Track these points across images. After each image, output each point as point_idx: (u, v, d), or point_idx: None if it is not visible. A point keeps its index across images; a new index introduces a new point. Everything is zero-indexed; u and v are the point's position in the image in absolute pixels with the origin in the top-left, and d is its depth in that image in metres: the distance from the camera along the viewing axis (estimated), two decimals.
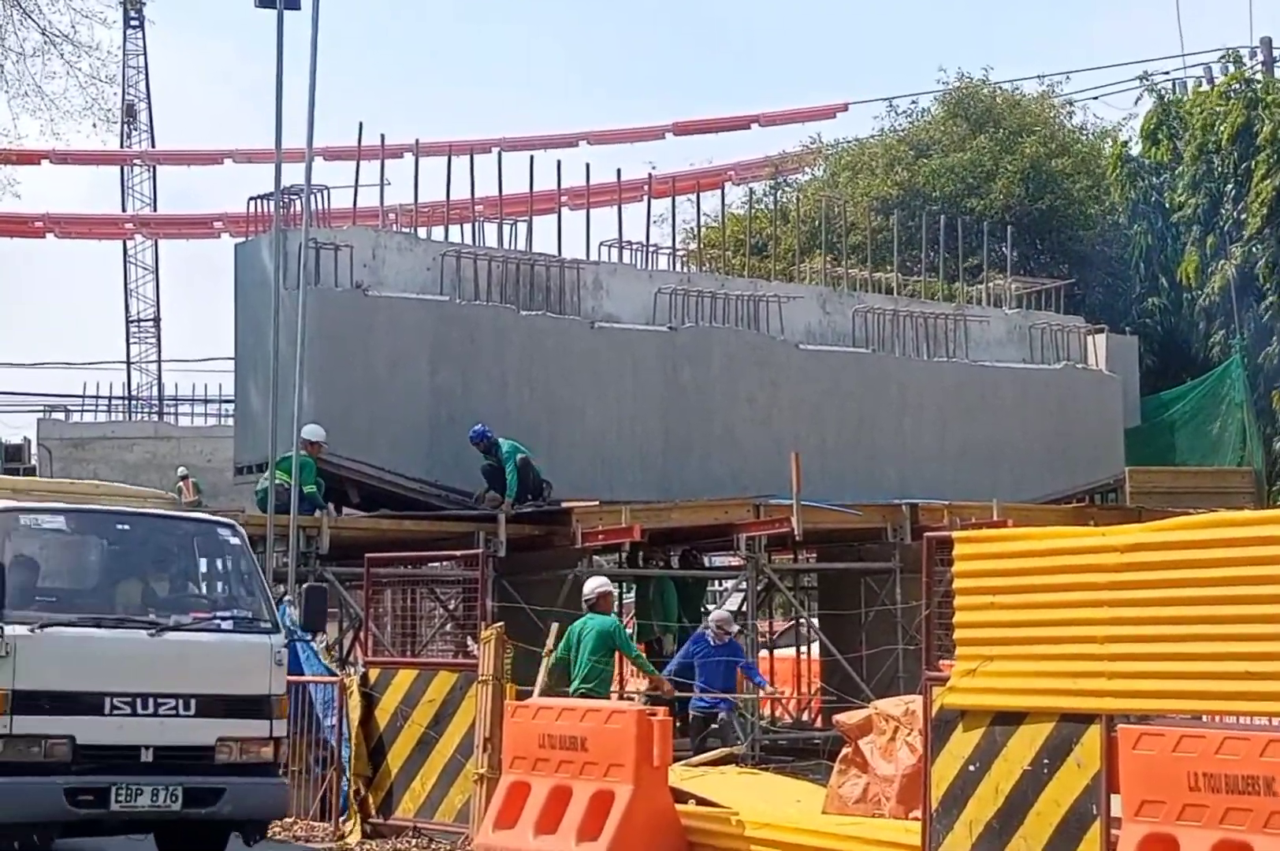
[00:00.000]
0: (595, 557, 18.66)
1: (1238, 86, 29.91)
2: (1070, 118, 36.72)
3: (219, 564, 11.46)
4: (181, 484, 29.98)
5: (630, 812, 10.74)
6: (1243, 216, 29.07)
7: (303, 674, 13.89)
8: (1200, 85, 31.53)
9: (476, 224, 21.98)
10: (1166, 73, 32.54)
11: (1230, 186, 29.44)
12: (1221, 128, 29.33)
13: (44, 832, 10.18)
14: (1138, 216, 31.27)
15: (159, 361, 50.37)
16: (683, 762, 12.67)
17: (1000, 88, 35.55)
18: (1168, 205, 30.72)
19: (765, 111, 44.97)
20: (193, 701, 10.49)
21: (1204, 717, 8.77)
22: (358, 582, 16.88)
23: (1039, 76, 37.38)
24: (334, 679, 13.99)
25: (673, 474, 21.41)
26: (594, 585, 15.03)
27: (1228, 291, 28.88)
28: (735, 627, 16.90)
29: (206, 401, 38.61)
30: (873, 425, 23.31)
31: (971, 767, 9.09)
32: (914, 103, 36.22)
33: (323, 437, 18.29)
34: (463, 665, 13.26)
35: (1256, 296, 28.84)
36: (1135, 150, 32.47)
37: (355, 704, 13.25)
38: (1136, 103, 32.36)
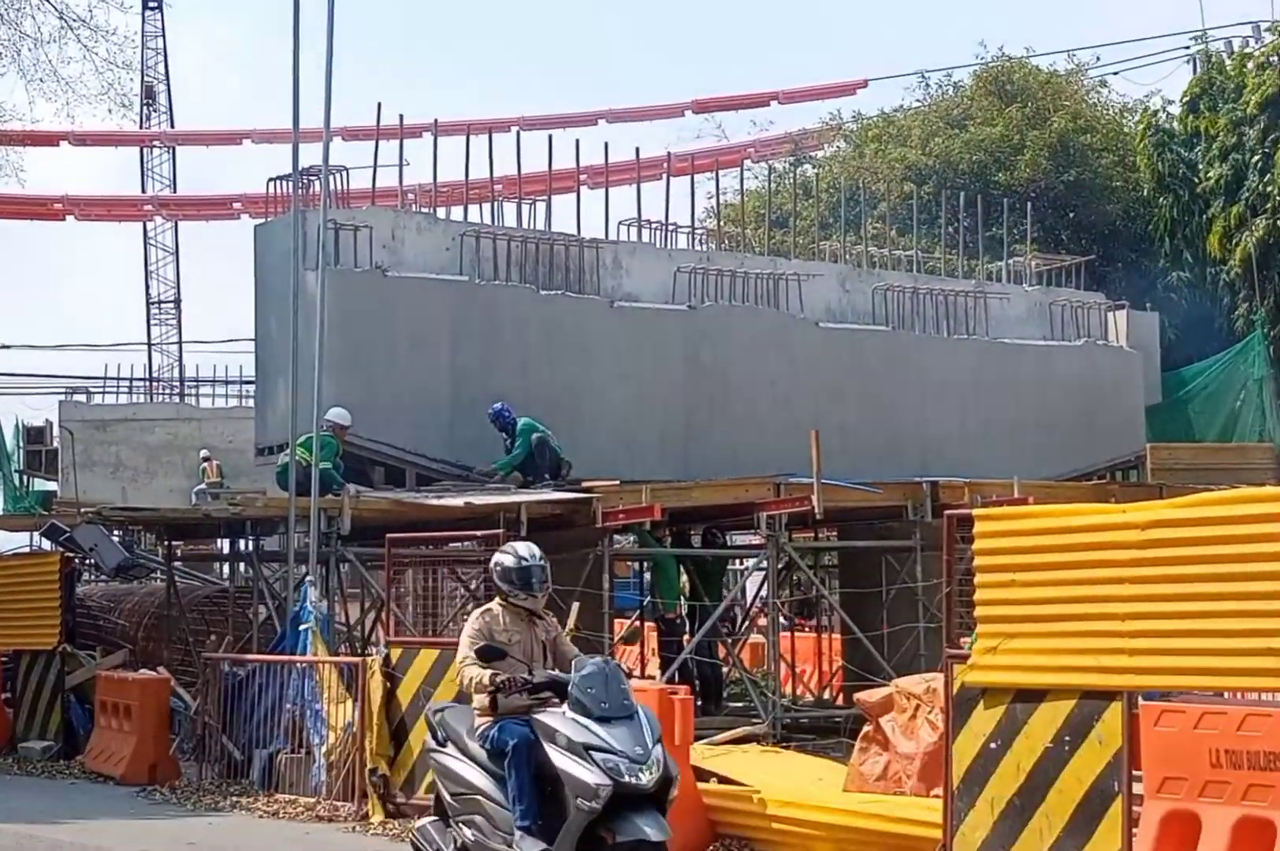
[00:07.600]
0: (616, 536, 18.64)
1: (1275, 58, 29.76)
2: (1102, 95, 36.74)
3: None
4: (205, 465, 30.09)
5: None
6: (1268, 189, 28.93)
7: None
8: (1242, 51, 31.31)
9: (496, 203, 21.97)
10: (1196, 40, 32.40)
11: (1257, 158, 29.28)
12: (1250, 97, 29.17)
13: None
14: (1164, 188, 31.12)
15: (180, 343, 50.55)
16: (705, 741, 12.68)
17: (1034, 65, 35.53)
18: (1195, 178, 30.56)
19: (785, 88, 44.83)
20: None
21: (1225, 694, 8.76)
22: (379, 563, 16.89)
23: (1068, 51, 37.40)
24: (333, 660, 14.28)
25: (693, 453, 21.40)
26: None
27: (1249, 265, 28.77)
28: None
29: (228, 382, 38.71)
30: (893, 403, 23.29)
31: (993, 745, 9.08)
32: (948, 75, 36.29)
33: (348, 420, 18.32)
34: None
35: (1278, 270, 28.75)
36: (1168, 120, 32.29)
37: (377, 685, 13.25)
38: (1194, 68, 32.07)
